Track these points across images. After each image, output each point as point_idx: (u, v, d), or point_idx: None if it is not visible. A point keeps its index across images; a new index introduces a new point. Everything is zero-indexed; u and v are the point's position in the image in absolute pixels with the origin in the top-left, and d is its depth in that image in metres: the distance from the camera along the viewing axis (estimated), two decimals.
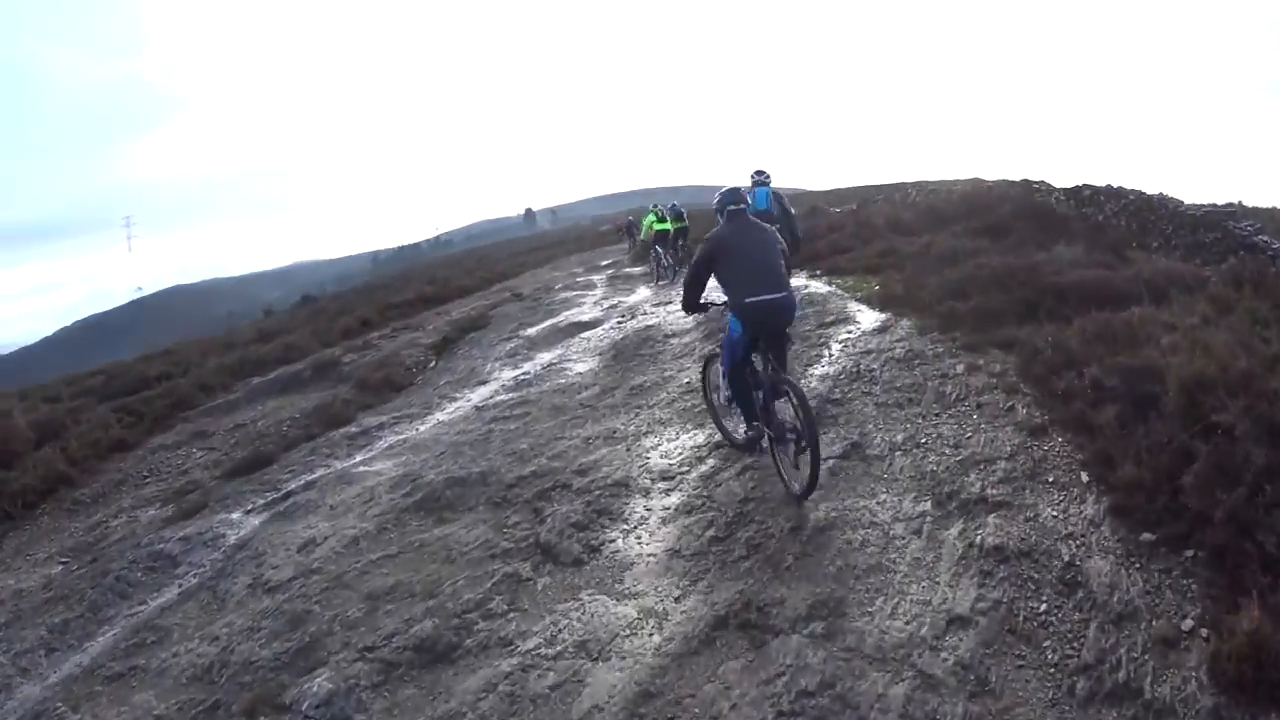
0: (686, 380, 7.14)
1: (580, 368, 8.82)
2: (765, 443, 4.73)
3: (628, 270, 19.12)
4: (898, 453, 4.77)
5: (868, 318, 8.08)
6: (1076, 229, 13.28)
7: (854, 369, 6.38)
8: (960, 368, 5.92)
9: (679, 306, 10.64)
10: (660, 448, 5.69)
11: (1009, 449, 4.53)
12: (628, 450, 5.73)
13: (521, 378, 8.91)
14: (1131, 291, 7.47)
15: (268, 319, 43.80)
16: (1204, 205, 14.78)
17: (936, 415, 5.21)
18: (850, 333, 7.52)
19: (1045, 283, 7.72)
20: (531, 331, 11.69)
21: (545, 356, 9.85)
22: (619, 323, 11.02)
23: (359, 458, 7.42)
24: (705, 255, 4.62)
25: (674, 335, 9.27)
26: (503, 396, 8.24)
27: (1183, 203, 14.13)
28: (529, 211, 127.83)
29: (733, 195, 4.76)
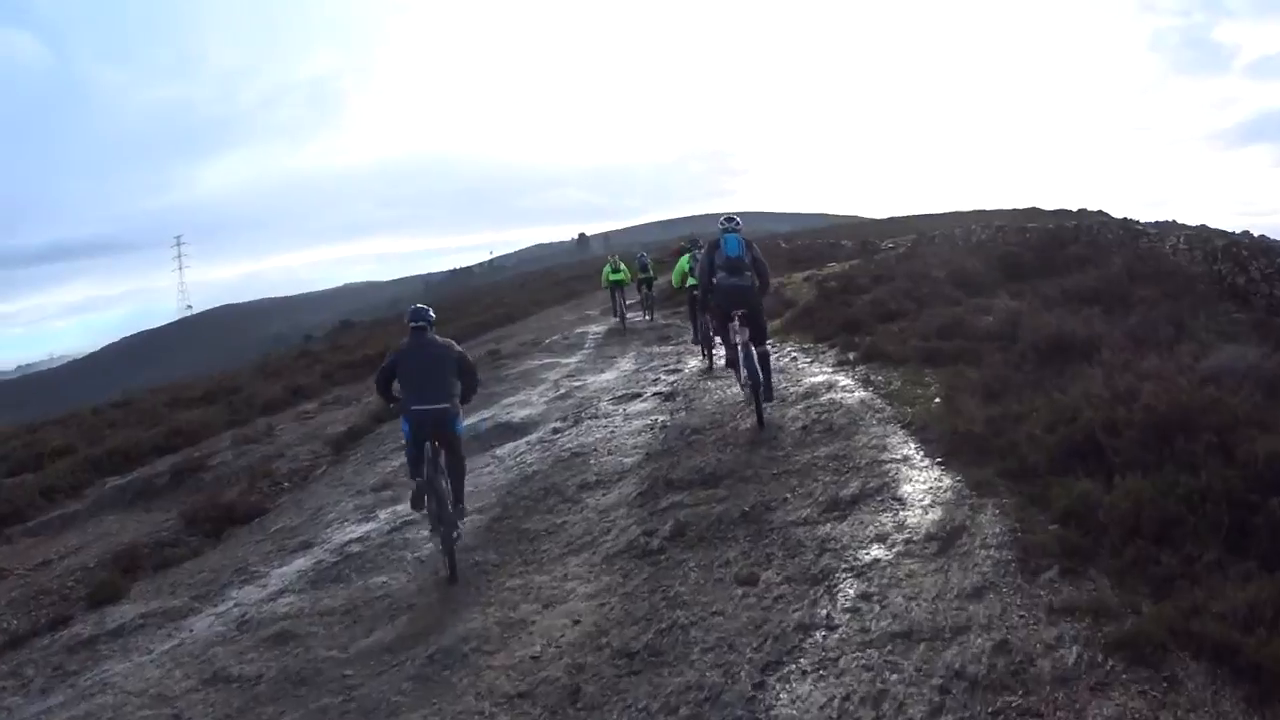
0: (533, 654, 3.58)
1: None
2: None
3: (632, 319, 15.62)
4: None
5: (918, 488, 4.46)
6: (1208, 293, 9.18)
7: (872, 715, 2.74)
8: None
9: (643, 405, 6.99)
10: None
11: None
12: None
13: (348, 550, 5.60)
14: None
15: (307, 342, 42.55)
16: None
17: None
18: (882, 548, 3.87)
19: (1258, 452, 3.86)
20: None
21: None
22: (554, 431, 7.63)
23: (49, 702, 4.27)
24: (389, 364, 5.31)
25: (602, 482, 5.81)
26: (285, 603, 4.91)
27: None
28: (582, 236, 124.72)
29: (416, 315, 5.29)
